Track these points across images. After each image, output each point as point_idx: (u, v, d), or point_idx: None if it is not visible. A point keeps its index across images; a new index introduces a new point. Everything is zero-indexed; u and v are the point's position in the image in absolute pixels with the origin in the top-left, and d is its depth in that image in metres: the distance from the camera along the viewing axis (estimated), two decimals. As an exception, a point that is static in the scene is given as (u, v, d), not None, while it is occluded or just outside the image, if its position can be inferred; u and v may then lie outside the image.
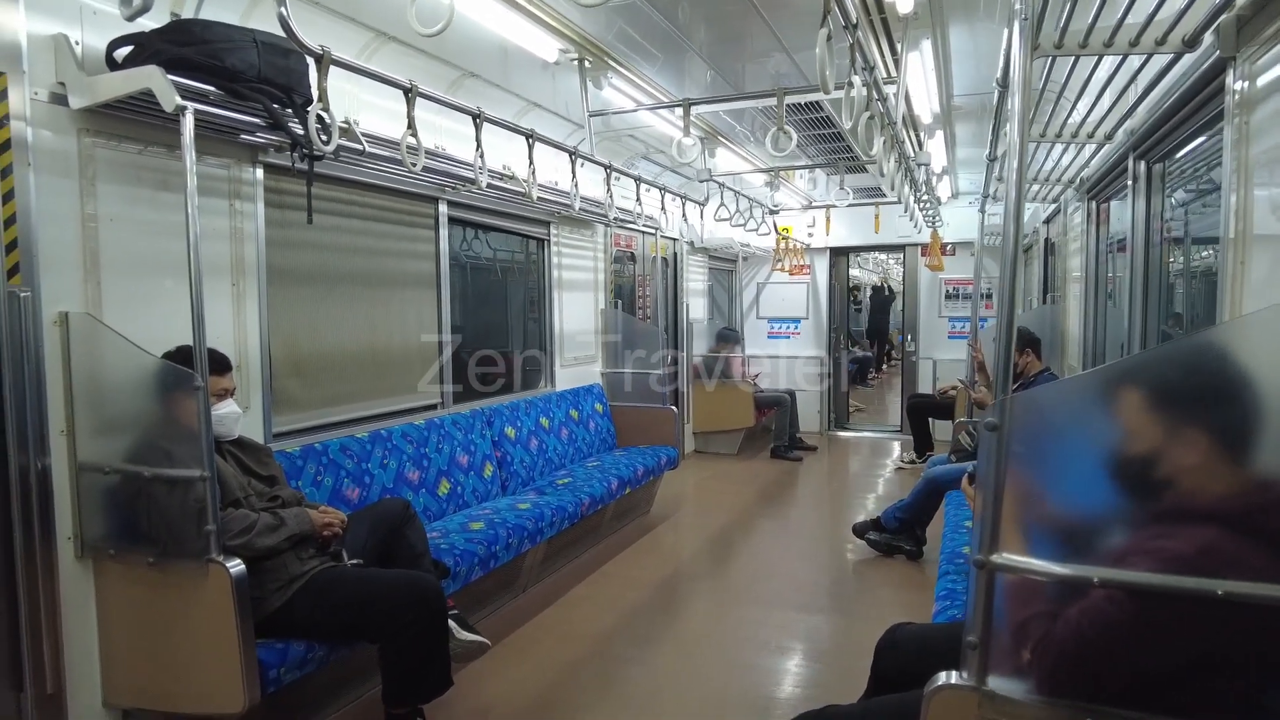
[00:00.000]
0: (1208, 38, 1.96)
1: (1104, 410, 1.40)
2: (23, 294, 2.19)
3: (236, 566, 2.20)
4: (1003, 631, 1.44)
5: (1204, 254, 3.13)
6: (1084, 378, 1.69)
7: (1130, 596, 1.33)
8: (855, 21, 2.43)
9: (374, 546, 2.78)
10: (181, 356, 2.30)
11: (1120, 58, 2.45)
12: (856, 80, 2.71)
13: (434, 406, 4.11)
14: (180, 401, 2.22)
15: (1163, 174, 3.30)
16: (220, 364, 2.50)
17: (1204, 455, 1.32)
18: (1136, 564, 1.33)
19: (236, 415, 2.57)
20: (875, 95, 3.13)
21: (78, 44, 2.30)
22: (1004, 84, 2.56)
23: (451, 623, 2.72)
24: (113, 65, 2.30)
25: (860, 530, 4.77)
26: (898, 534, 4.63)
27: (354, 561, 2.65)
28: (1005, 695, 1.44)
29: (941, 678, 1.49)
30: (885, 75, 3.56)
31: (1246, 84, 1.93)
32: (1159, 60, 2.42)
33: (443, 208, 4.10)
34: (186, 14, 2.50)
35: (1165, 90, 2.55)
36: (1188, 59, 2.22)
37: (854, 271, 13.01)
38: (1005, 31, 2.25)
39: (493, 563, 3.37)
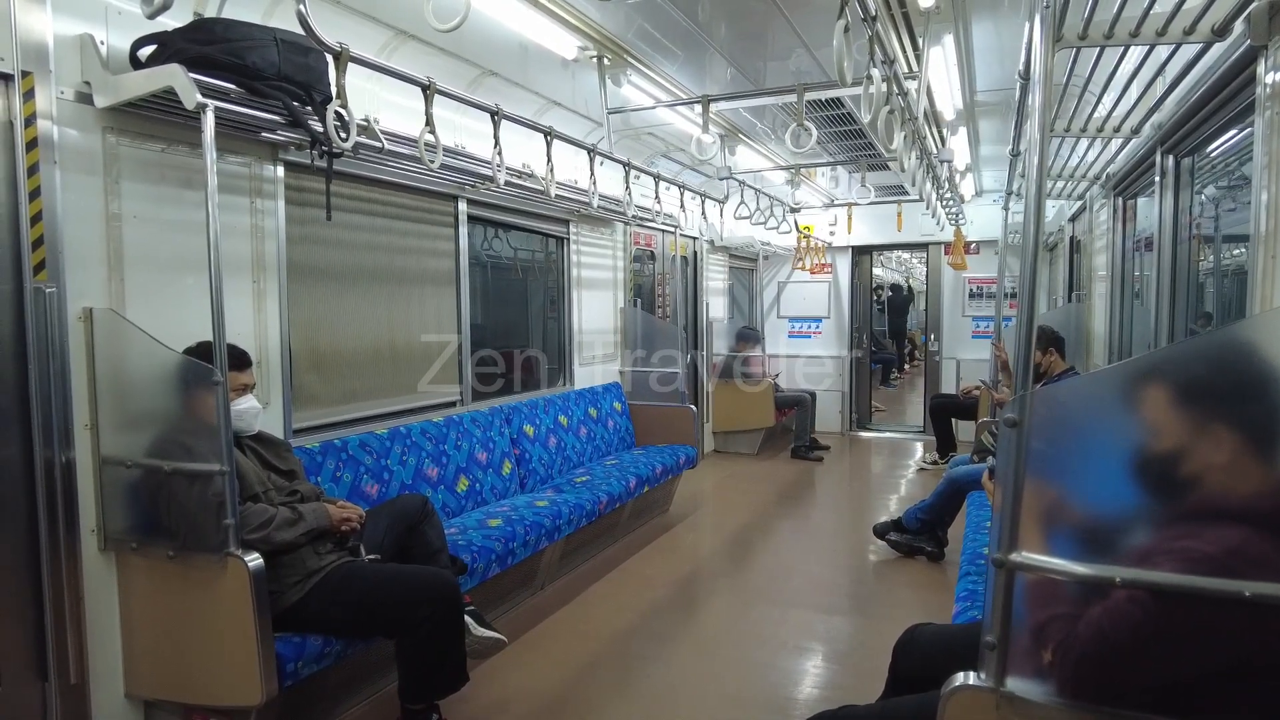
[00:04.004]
0: (1238, 26, 1.91)
1: (1127, 406, 1.37)
2: (48, 290, 2.23)
3: (254, 560, 2.22)
4: (1022, 632, 1.42)
5: (1236, 252, 3.06)
6: (1107, 373, 1.66)
7: (1154, 598, 1.30)
8: (875, 14, 2.40)
9: (392, 542, 2.79)
10: (202, 352, 2.31)
11: (1147, 49, 2.40)
12: (876, 74, 2.68)
13: (453, 404, 4.13)
14: (200, 397, 2.24)
15: (1191, 169, 3.23)
16: (240, 360, 2.52)
17: (1232, 453, 1.29)
18: (1160, 564, 1.30)
19: (256, 411, 2.59)
20: (896, 89, 3.09)
21: (103, 44, 2.33)
22: (1026, 77, 2.52)
23: (468, 619, 2.73)
24: (136, 64, 2.33)
25: (881, 531, 4.72)
26: (919, 535, 4.58)
27: (371, 557, 2.66)
28: (1024, 697, 1.41)
29: (959, 679, 1.47)
30: (906, 70, 3.51)
31: (1278, 74, 1.87)
32: (1187, 51, 2.37)
33: (462, 206, 4.11)
34: (209, 13, 2.53)
35: (1194, 82, 2.49)
36: (1217, 49, 2.17)
37: (877, 270, 12.87)
38: (1027, 24, 2.21)
39: (510, 560, 3.38)
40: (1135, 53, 2.51)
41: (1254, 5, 1.81)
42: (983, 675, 1.44)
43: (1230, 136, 2.79)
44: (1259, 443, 1.28)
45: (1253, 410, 1.28)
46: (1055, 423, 1.38)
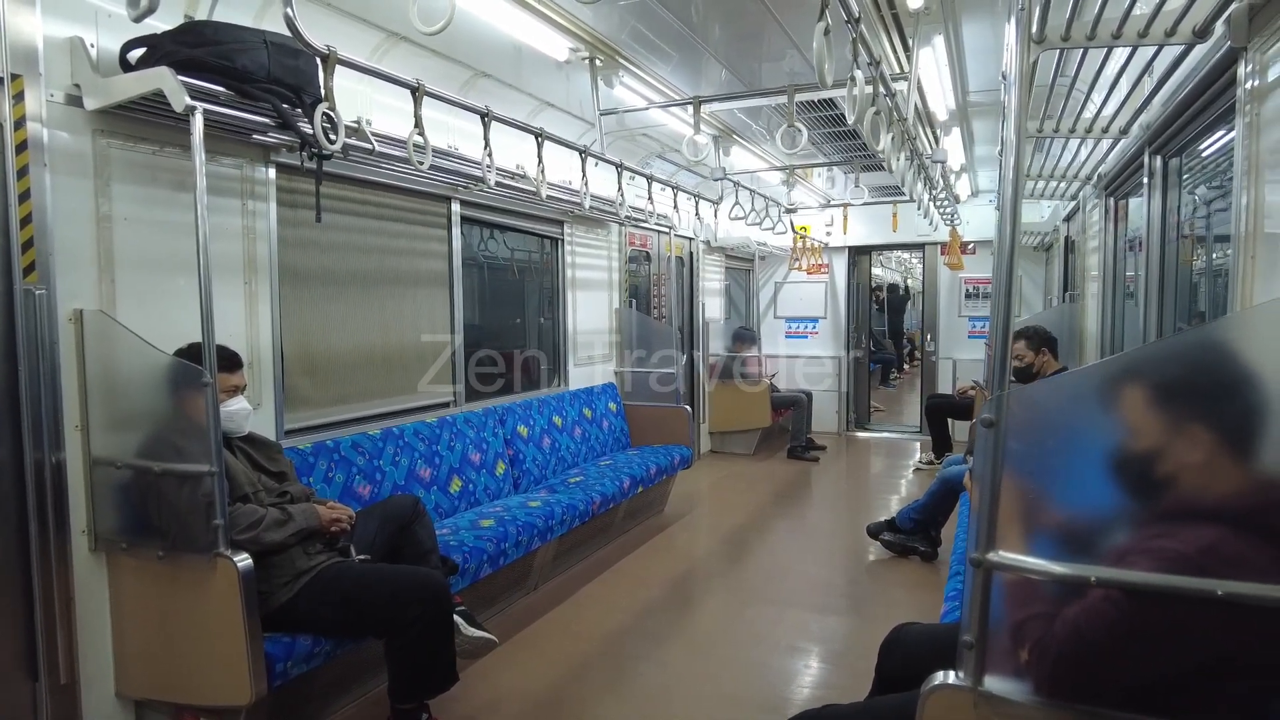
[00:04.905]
0: (1219, 28, 1.92)
1: (1104, 406, 1.38)
2: (38, 292, 2.24)
3: (244, 561, 2.23)
4: (1000, 631, 1.42)
5: (1229, 252, 3.06)
6: (1083, 372, 1.66)
7: (1129, 597, 1.31)
8: (857, 16, 2.41)
9: (383, 543, 2.80)
10: (192, 354, 2.33)
11: (1134, 50, 2.40)
12: (859, 75, 2.68)
13: (446, 404, 4.14)
14: (190, 398, 2.25)
15: (1179, 169, 3.24)
16: (231, 361, 2.53)
17: (1207, 453, 1.29)
18: (1136, 564, 1.30)
19: (247, 412, 2.60)
20: (882, 91, 3.10)
21: (93, 46, 2.34)
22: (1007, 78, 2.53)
23: (459, 619, 2.74)
24: (126, 67, 2.34)
25: (875, 531, 4.73)
26: (912, 535, 4.59)
27: (362, 557, 2.67)
28: (1002, 696, 1.42)
29: (938, 678, 1.47)
30: (896, 71, 3.52)
31: (1258, 76, 1.88)
32: (1173, 51, 2.37)
33: (455, 207, 4.12)
34: (199, 16, 2.54)
35: (1178, 82, 2.50)
36: (1200, 50, 2.18)
37: (876, 270, 12.88)
38: (1007, 25, 2.22)
39: (502, 560, 3.39)
40: (1122, 52, 2.52)
41: (1234, 7, 1.82)
42: (961, 674, 1.44)
43: (1218, 136, 2.80)
44: (1235, 442, 1.28)
45: (1229, 410, 1.28)
46: (1032, 423, 1.38)
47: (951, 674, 1.46)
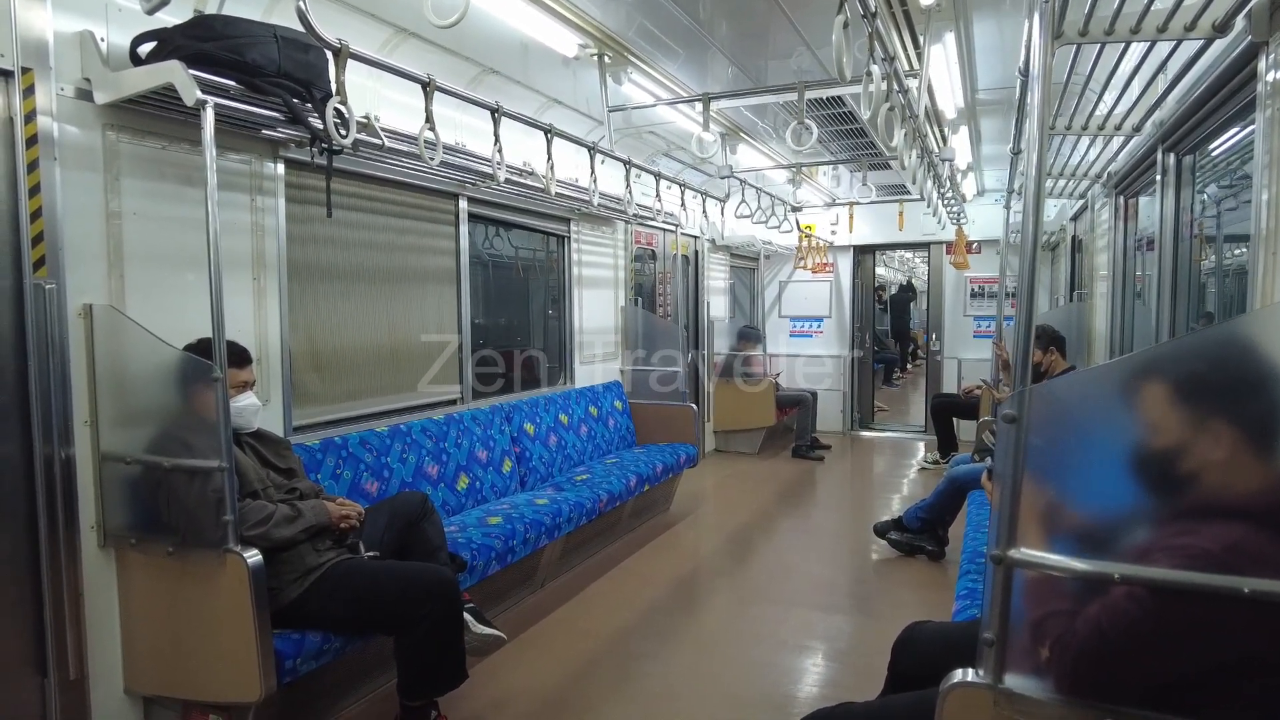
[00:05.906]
0: (1239, 22, 1.91)
1: (1126, 403, 1.37)
2: (48, 286, 2.24)
3: (254, 557, 2.22)
4: (1020, 629, 1.41)
5: (1237, 251, 3.05)
6: (1105, 369, 1.64)
7: (1152, 595, 1.30)
8: (874, 11, 2.40)
9: (391, 540, 2.79)
10: (202, 349, 2.31)
11: (1148, 46, 2.39)
12: (876, 71, 2.67)
13: (454, 402, 4.13)
14: (200, 393, 2.24)
15: (1193, 167, 3.22)
16: (240, 357, 2.52)
17: (1230, 449, 1.28)
18: (1159, 561, 1.29)
19: (256, 408, 2.59)
20: (896, 87, 3.09)
21: (103, 40, 2.33)
22: (1026, 74, 2.52)
23: (467, 616, 2.73)
24: (136, 61, 2.34)
25: (882, 530, 4.72)
26: (920, 534, 4.57)
27: (370, 554, 2.66)
28: (1022, 694, 1.41)
29: (957, 675, 1.47)
30: (907, 68, 3.51)
31: (1279, 71, 1.87)
32: (1188, 48, 2.36)
33: (463, 204, 4.11)
34: (209, 9, 2.53)
35: (1195, 79, 2.49)
36: (1218, 45, 2.16)
37: (880, 270, 12.87)
38: (1027, 21, 2.21)
39: (510, 557, 3.38)
40: (1136, 50, 2.50)
41: (1254, 1, 1.81)
42: (981, 672, 1.43)
43: (1232, 134, 2.78)
44: (1257, 439, 1.27)
45: (1251, 406, 1.27)
46: (1053, 419, 1.37)
47: (971, 671, 1.45)
